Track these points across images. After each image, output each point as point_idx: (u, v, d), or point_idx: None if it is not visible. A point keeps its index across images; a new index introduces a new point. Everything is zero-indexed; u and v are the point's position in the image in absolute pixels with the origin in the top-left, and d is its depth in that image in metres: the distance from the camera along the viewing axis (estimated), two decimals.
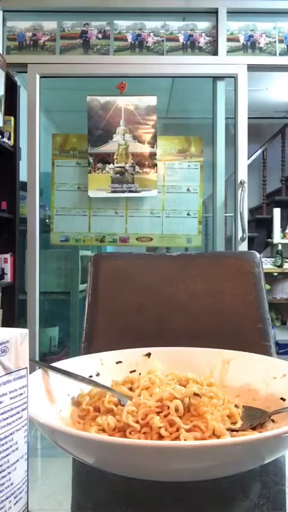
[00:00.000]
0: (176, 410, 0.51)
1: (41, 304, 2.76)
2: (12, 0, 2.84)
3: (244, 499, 0.49)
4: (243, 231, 2.75)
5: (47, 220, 2.86)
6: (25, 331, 0.40)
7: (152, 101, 2.73)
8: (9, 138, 2.65)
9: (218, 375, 0.68)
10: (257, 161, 5.08)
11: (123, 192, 2.72)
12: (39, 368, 0.60)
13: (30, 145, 2.74)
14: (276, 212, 3.90)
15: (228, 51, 2.83)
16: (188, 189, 2.76)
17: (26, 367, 0.40)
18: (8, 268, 2.69)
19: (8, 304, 2.71)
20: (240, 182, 2.75)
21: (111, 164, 2.72)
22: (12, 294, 2.73)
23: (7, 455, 0.38)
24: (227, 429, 0.52)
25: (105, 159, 2.72)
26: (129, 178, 2.71)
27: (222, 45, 2.81)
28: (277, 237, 3.87)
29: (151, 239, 2.77)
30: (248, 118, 2.79)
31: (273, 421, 0.56)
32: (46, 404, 0.56)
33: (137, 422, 0.51)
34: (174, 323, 1.01)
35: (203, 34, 2.84)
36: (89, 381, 0.61)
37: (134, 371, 0.69)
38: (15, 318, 2.71)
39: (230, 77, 2.81)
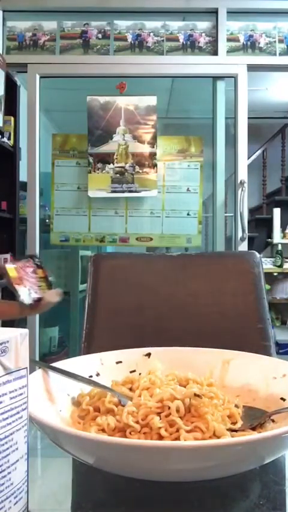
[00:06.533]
0: (177, 411, 0.51)
1: None
2: (12, 0, 2.84)
3: (244, 499, 0.49)
4: (243, 231, 2.75)
5: (47, 220, 2.86)
6: (25, 331, 0.40)
7: (152, 101, 2.73)
8: (9, 138, 2.65)
9: (218, 375, 0.68)
10: (257, 161, 5.08)
11: (123, 192, 2.71)
12: (39, 368, 0.60)
13: (30, 145, 2.74)
14: (276, 212, 3.90)
15: (228, 51, 2.82)
16: (188, 189, 2.76)
17: (26, 367, 0.40)
18: None
19: None
20: (240, 182, 2.75)
21: (111, 164, 2.71)
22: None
23: (7, 455, 0.38)
24: (227, 429, 0.52)
25: (105, 159, 2.72)
26: (129, 178, 2.71)
27: (222, 45, 2.81)
28: (277, 237, 3.87)
29: (151, 239, 2.77)
30: (248, 118, 2.78)
31: (273, 421, 0.56)
32: (46, 404, 0.56)
33: (137, 422, 0.51)
34: (174, 323, 1.01)
35: (203, 34, 2.84)
36: (89, 381, 0.61)
37: (134, 371, 0.68)
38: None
39: (230, 77, 2.81)
